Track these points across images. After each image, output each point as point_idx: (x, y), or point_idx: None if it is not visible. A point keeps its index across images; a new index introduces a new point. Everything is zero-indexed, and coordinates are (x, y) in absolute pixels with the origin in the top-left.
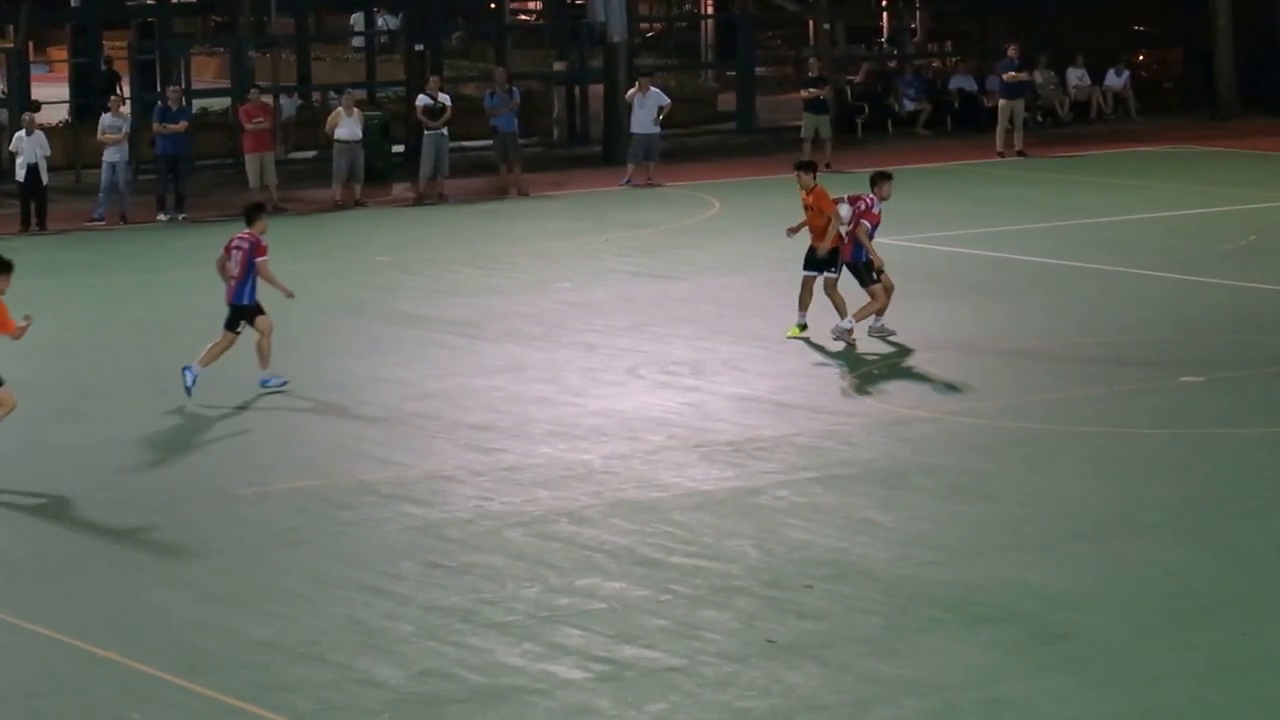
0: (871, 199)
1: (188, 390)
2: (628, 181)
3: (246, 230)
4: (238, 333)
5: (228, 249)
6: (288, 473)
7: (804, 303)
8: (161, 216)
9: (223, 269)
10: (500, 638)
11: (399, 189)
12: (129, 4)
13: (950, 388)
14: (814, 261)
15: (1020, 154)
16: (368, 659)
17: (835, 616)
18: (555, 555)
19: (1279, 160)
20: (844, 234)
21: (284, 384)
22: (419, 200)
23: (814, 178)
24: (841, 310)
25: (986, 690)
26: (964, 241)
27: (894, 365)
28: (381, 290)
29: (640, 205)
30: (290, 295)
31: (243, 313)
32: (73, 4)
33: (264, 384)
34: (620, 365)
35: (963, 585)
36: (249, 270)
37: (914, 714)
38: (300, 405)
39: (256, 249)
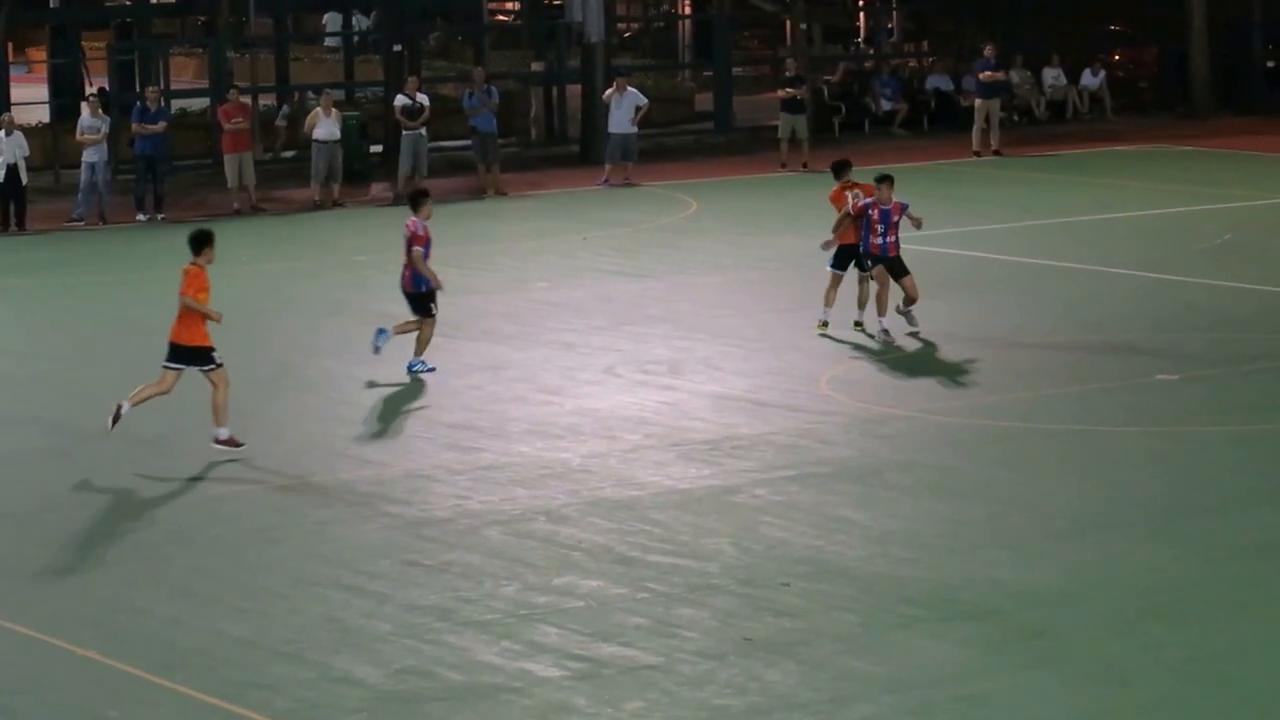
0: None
1: (429, 369)
2: (605, 181)
3: (412, 217)
4: (433, 316)
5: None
6: (266, 471)
7: (860, 300)
8: (140, 216)
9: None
10: (478, 636)
11: (377, 189)
12: (108, 4)
13: (926, 386)
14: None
15: (996, 153)
16: (346, 657)
17: (812, 614)
18: (533, 554)
19: (1254, 159)
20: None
21: (430, 369)
22: (397, 200)
23: (837, 180)
24: (827, 303)
25: (962, 687)
26: (940, 240)
27: (870, 363)
28: (359, 290)
29: (618, 205)
30: (440, 287)
31: (422, 299)
32: (51, 5)
33: (411, 368)
34: (598, 364)
35: (938, 583)
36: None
37: (891, 711)
38: (278, 404)
39: (414, 239)
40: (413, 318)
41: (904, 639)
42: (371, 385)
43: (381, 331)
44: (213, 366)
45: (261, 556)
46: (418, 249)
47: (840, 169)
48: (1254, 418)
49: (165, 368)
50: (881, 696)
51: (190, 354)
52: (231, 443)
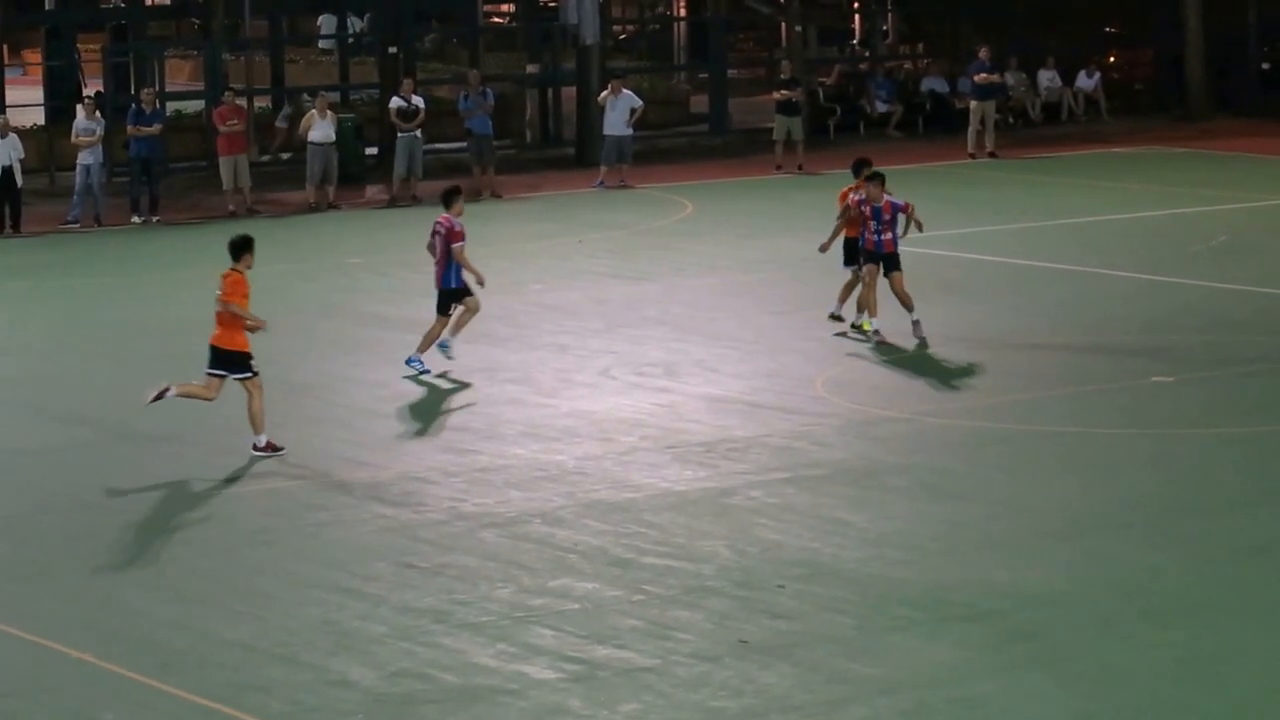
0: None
1: (423, 371)
2: (600, 183)
3: (444, 214)
4: (449, 316)
5: (432, 233)
6: (261, 474)
7: (860, 303)
8: (135, 219)
9: (430, 251)
10: (473, 638)
11: (372, 191)
12: (103, 7)
13: (921, 388)
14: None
15: (992, 155)
16: (341, 660)
17: (807, 616)
18: (528, 556)
19: (1249, 161)
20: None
21: (425, 371)
22: (392, 202)
23: (855, 179)
24: (841, 299)
25: (958, 689)
26: (936, 242)
27: (865, 365)
28: (354, 292)
29: (613, 207)
30: (482, 283)
31: (451, 296)
32: (47, 7)
33: (409, 362)
34: (593, 366)
35: (934, 584)
36: (449, 254)
37: (886, 713)
38: (274, 407)
39: (451, 234)
40: (462, 312)
41: (900, 641)
42: (442, 374)
43: (443, 345)
44: (249, 375)
45: (257, 558)
46: (458, 245)
47: (858, 168)
48: (1250, 419)
49: (208, 374)
50: (877, 699)
51: (229, 359)
52: (270, 448)
